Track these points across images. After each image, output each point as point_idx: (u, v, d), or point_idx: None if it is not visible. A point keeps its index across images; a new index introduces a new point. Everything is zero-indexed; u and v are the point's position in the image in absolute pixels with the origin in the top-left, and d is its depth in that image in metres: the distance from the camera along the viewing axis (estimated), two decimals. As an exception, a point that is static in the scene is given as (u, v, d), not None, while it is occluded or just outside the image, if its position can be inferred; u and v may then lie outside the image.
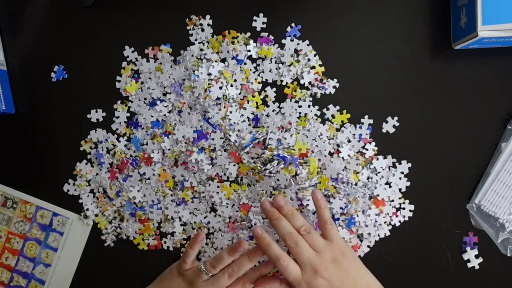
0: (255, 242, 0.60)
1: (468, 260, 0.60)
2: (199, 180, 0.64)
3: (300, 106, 0.62)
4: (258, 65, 0.63)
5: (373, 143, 0.61)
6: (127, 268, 0.67)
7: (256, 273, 0.59)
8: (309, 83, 0.62)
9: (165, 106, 0.64)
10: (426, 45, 0.61)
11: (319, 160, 0.62)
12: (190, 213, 0.64)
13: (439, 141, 0.61)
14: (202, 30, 0.64)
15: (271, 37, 0.63)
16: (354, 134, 0.62)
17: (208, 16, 0.64)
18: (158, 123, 0.65)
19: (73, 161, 0.67)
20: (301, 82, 0.62)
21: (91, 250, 0.67)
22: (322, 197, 0.57)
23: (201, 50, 0.64)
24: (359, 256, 0.62)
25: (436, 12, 0.61)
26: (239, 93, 0.63)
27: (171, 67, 0.64)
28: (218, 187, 0.63)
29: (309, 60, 0.62)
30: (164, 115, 0.64)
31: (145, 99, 0.65)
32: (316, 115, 0.62)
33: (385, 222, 0.61)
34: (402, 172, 0.61)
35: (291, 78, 0.63)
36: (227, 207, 0.63)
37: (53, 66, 0.68)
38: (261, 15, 0.63)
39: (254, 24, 0.64)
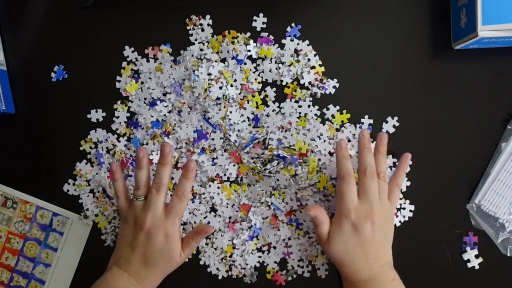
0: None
1: (468, 260, 0.60)
2: (200, 182, 0.64)
3: (300, 106, 0.62)
4: (258, 65, 0.63)
5: (374, 143, 0.61)
6: (127, 268, 0.67)
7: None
8: (309, 83, 0.62)
9: (165, 106, 0.64)
10: (426, 45, 0.61)
11: (319, 159, 0.62)
12: (190, 213, 0.64)
13: (439, 141, 0.61)
14: (202, 30, 0.64)
15: (271, 37, 0.63)
16: (354, 134, 0.62)
17: (208, 16, 0.64)
18: (158, 123, 0.65)
19: (73, 161, 0.67)
20: (301, 82, 0.62)
21: (91, 250, 0.67)
22: (408, 160, 0.58)
23: (201, 50, 0.64)
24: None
25: (436, 12, 0.61)
26: (239, 93, 0.63)
27: (171, 67, 0.64)
28: (218, 187, 0.63)
29: (309, 60, 0.62)
30: (164, 115, 0.64)
31: (145, 99, 0.65)
32: (316, 115, 0.62)
33: (385, 222, 0.61)
34: (402, 172, 0.61)
35: (291, 78, 0.63)
36: (227, 207, 0.63)
37: (53, 66, 0.68)
38: (261, 15, 0.63)
39: (254, 24, 0.64)
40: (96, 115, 0.67)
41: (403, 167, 0.58)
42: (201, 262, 0.64)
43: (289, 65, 0.62)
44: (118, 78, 0.66)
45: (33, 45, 0.69)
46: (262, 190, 0.62)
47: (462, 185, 0.61)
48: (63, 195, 0.67)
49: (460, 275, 0.61)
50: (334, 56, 0.63)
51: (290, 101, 0.63)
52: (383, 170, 0.56)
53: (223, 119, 0.62)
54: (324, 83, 0.62)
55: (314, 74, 0.62)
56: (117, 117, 0.66)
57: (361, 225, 0.54)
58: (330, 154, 0.62)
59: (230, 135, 0.62)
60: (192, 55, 0.64)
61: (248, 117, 0.63)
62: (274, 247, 0.63)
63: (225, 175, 0.63)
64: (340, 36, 0.63)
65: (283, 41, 0.63)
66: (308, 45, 0.62)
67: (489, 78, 0.60)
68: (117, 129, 0.66)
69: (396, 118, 0.62)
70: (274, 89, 0.63)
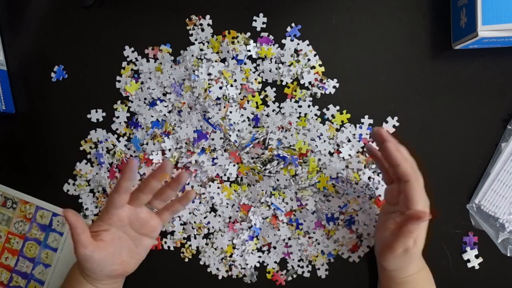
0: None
1: (468, 260, 0.60)
2: (200, 182, 0.64)
3: (300, 106, 0.62)
4: (258, 65, 0.63)
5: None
6: (127, 268, 0.67)
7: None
8: (309, 83, 0.62)
9: (165, 106, 0.64)
10: (426, 45, 0.61)
11: (319, 159, 0.62)
12: (189, 213, 0.64)
13: (439, 141, 0.61)
14: (202, 30, 0.64)
15: (271, 37, 0.63)
16: (354, 134, 0.62)
17: (208, 16, 0.64)
18: (158, 123, 0.65)
19: (73, 161, 0.67)
20: (301, 82, 0.62)
21: (91, 250, 0.67)
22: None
23: (201, 50, 0.64)
24: (359, 256, 0.62)
25: (436, 12, 0.61)
26: (239, 93, 0.63)
27: (171, 67, 0.64)
28: (218, 187, 0.63)
29: (309, 60, 0.62)
30: (164, 115, 0.64)
31: (145, 99, 0.65)
32: (316, 115, 0.62)
33: (385, 222, 0.61)
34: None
35: (291, 78, 0.63)
36: (227, 207, 0.63)
37: (53, 66, 0.68)
38: (261, 15, 0.63)
39: (254, 24, 0.64)
40: (96, 115, 0.67)
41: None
42: (201, 262, 0.64)
43: (289, 65, 0.62)
44: (118, 78, 0.66)
45: (33, 45, 0.69)
46: (262, 190, 0.62)
47: (462, 185, 0.61)
48: (63, 195, 0.67)
49: (460, 275, 0.60)
50: (334, 56, 0.63)
51: (290, 101, 0.63)
52: None
53: (223, 119, 0.62)
54: (324, 83, 0.62)
55: (314, 74, 0.62)
56: (117, 117, 0.66)
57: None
58: (330, 154, 0.62)
59: (230, 135, 0.62)
60: (192, 55, 0.64)
61: (248, 117, 0.63)
62: (274, 247, 0.63)
63: (225, 175, 0.63)
64: (340, 36, 0.63)
65: (283, 41, 0.63)
66: (308, 45, 0.62)
67: (489, 78, 0.60)
68: (117, 129, 0.66)
69: (396, 118, 0.62)
70: (274, 89, 0.63)
